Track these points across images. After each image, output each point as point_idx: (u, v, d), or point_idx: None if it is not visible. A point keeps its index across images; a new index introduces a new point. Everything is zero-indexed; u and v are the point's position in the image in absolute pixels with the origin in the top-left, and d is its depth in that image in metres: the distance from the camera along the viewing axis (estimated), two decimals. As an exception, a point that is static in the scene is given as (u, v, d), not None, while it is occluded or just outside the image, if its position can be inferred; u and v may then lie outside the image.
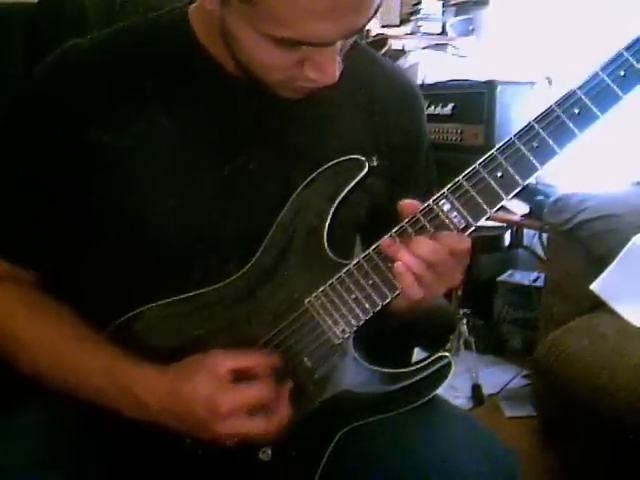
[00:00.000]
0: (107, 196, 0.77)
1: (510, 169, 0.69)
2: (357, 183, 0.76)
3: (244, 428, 0.70)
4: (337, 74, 0.68)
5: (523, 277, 2.44)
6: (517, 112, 2.09)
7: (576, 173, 1.96)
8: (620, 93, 0.66)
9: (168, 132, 0.77)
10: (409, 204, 0.71)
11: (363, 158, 0.75)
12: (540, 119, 0.68)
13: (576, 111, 0.67)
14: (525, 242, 2.55)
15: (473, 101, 2.20)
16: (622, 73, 0.65)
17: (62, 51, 0.79)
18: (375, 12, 0.65)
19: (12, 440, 0.73)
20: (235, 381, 0.70)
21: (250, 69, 0.71)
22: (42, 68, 0.79)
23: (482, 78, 2.26)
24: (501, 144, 0.69)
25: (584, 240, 1.63)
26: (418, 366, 0.75)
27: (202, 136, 0.78)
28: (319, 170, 0.76)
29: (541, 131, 0.68)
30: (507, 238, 2.54)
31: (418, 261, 0.68)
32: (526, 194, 1.99)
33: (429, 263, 0.68)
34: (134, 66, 0.77)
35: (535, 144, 0.68)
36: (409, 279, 0.69)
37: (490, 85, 2.15)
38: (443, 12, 2.95)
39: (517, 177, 0.69)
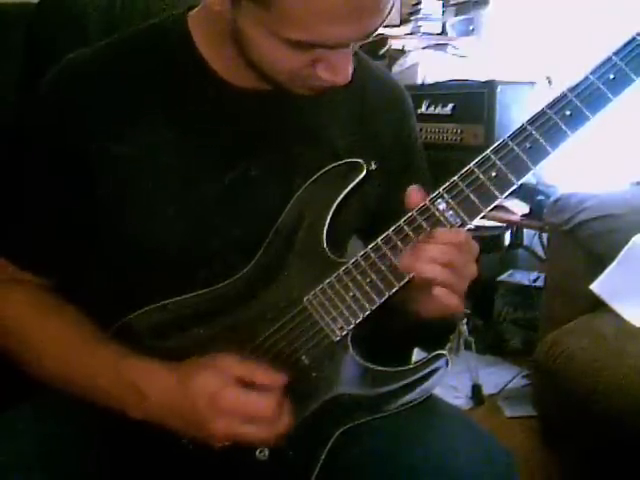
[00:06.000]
0: (110, 205, 0.78)
1: (504, 169, 0.70)
2: (356, 185, 0.77)
3: (238, 431, 0.70)
4: (350, 74, 0.69)
5: (523, 277, 2.44)
6: (517, 112, 2.10)
7: (576, 173, 1.96)
8: (610, 95, 0.68)
9: (169, 141, 0.77)
10: (415, 192, 0.72)
11: (362, 161, 0.77)
12: (533, 121, 0.70)
13: (567, 113, 0.69)
14: (525, 242, 2.55)
15: (473, 101, 2.20)
16: (612, 76, 0.68)
17: (65, 63, 0.80)
18: (390, 11, 0.65)
19: (10, 441, 0.73)
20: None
21: (261, 67, 0.71)
22: (47, 81, 0.80)
23: (482, 78, 2.27)
24: (495, 145, 0.71)
25: (584, 240, 1.63)
26: (416, 365, 0.76)
27: (202, 144, 0.79)
28: (320, 172, 0.78)
29: (534, 132, 0.70)
30: (507, 238, 2.54)
31: (436, 266, 0.69)
32: (526, 194, 1.99)
33: (443, 264, 0.69)
34: (134, 77, 0.78)
35: (528, 145, 0.70)
36: (441, 291, 0.69)
37: (490, 85, 2.15)
38: (443, 12, 2.95)
39: (511, 177, 0.70)
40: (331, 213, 0.77)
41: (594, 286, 1.50)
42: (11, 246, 0.82)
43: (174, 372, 0.72)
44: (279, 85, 0.73)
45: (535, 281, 2.36)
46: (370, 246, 0.74)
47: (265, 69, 0.71)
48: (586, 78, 0.69)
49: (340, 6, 0.61)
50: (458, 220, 0.71)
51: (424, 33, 2.87)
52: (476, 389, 2.09)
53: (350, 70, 0.69)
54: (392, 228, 0.73)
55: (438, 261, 0.69)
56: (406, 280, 0.73)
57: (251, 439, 0.71)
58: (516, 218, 2.05)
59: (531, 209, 2.02)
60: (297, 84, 0.72)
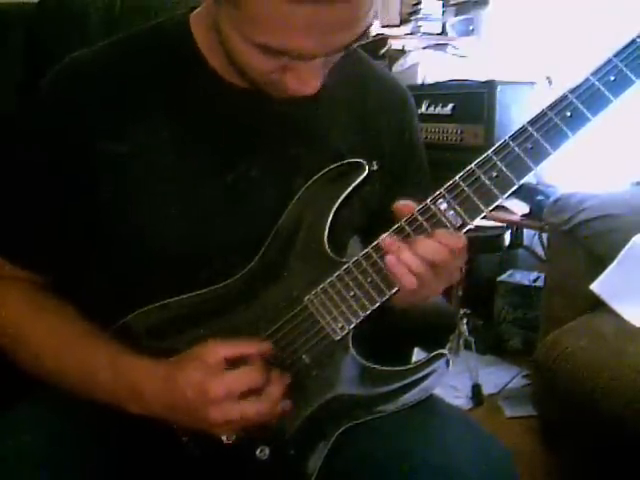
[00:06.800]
0: (111, 205, 0.78)
1: (505, 169, 0.71)
2: (358, 185, 0.77)
3: (235, 412, 0.70)
4: (318, 86, 0.68)
5: (523, 277, 2.44)
6: (517, 112, 2.10)
7: (576, 173, 1.96)
8: (611, 97, 0.69)
9: (169, 141, 0.77)
10: (404, 205, 0.72)
11: (364, 161, 0.77)
12: (533, 122, 0.70)
13: (568, 114, 0.70)
14: (525, 242, 2.55)
15: (473, 101, 2.20)
16: (612, 78, 0.69)
17: (66, 63, 0.80)
18: (366, 29, 0.63)
19: (11, 438, 0.72)
20: (228, 369, 0.71)
21: (240, 68, 0.71)
22: (47, 80, 0.80)
23: (482, 78, 2.27)
24: (496, 146, 0.71)
25: (584, 240, 1.63)
26: (416, 364, 0.76)
27: (203, 145, 0.79)
28: (321, 172, 0.78)
29: (535, 133, 0.70)
30: (507, 238, 2.54)
31: (419, 260, 0.69)
32: (526, 194, 1.99)
33: (430, 262, 0.69)
34: (135, 77, 0.78)
35: (529, 145, 0.70)
36: (409, 278, 0.69)
37: (490, 85, 2.15)
38: (443, 12, 2.95)
39: (512, 177, 0.71)
40: (332, 213, 0.77)
41: (594, 286, 1.50)
42: (8, 245, 0.82)
43: (162, 366, 0.73)
44: (258, 87, 0.72)
45: (535, 281, 2.36)
46: (371, 246, 0.74)
47: (243, 70, 0.70)
48: (587, 79, 0.69)
49: (301, 18, 0.59)
50: (459, 220, 0.71)
51: (424, 33, 2.87)
52: (476, 389, 2.10)
53: (318, 83, 0.68)
54: (393, 228, 0.73)
55: (425, 257, 0.69)
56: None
57: (251, 415, 0.71)
58: (516, 218, 2.05)
59: (531, 209, 2.02)
60: (270, 88, 0.71)
